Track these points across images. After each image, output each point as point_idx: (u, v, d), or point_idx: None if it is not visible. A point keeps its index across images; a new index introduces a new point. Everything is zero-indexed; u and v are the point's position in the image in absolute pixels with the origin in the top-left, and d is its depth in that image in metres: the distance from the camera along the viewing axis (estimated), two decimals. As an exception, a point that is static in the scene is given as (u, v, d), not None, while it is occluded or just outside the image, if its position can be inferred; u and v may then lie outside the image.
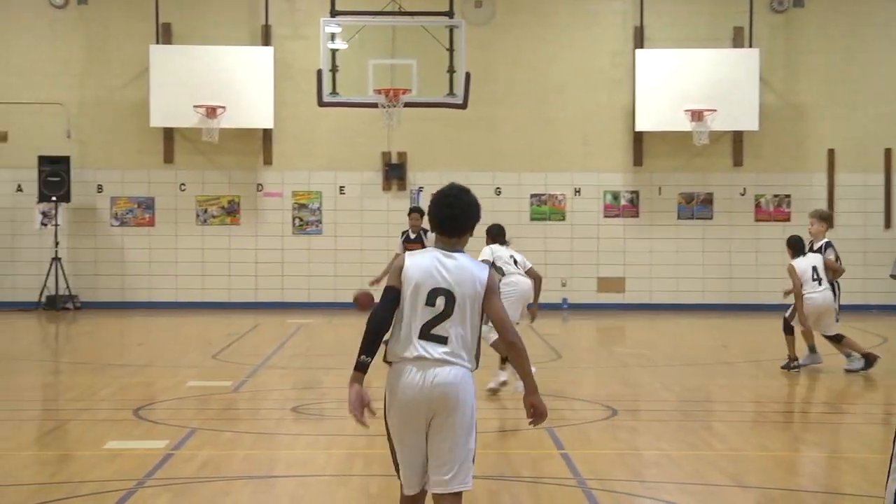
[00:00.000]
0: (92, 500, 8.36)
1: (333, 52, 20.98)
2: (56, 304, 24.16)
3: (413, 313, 5.80)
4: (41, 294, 24.35)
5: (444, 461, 5.78)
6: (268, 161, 25.30)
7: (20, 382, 14.69)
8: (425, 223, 16.64)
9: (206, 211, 25.11)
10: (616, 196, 25.53)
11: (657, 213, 25.52)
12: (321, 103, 21.19)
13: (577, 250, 25.47)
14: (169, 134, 25.01)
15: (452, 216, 5.94)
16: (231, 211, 25.25)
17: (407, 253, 6.00)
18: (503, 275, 13.38)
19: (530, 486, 8.89)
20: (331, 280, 25.17)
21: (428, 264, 5.87)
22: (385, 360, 5.89)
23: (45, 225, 24.44)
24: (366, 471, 9.44)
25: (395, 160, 25.17)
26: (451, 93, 20.84)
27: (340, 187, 25.31)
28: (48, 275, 24.24)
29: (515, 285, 13.47)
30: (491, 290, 5.89)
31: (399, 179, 25.21)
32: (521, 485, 8.91)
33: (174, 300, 25.09)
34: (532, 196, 25.50)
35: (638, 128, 24.94)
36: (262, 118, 24.47)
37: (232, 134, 24.56)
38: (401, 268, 5.88)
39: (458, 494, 5.83)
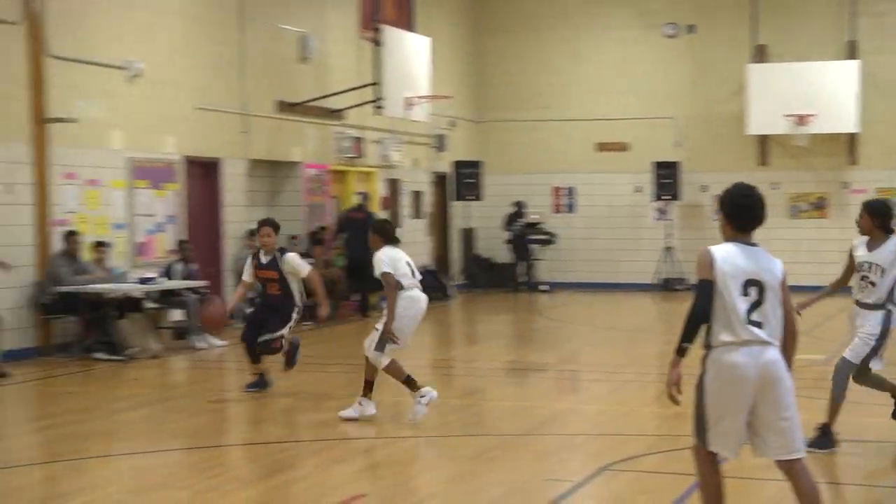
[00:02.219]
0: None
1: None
2: (668, 285, 25.44)
3: (732, 302, 5.65)
4: (655, 276, 25.76)
5: (777, 429, 5.68)
6: (853, 162, 25.00)
7: (643, 351, 15.91)
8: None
9: (796, 206, 25.32)
10: None
11: None
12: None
13: None
14: (763, 140, 25.42)
15: (754, 216, 5.82)
16: (819, 206, 25.24)
17: (712, 247, 5.78)
18: (402, 288, 10.01)
19: None
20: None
21: (737, 258, 5.74)
22: (704, 346, 5.80)
23: (659, 220, 25.80)
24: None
25: (975, 157, 23.95)
26: None
27: (926, 184, 24.51)
28: (661, 260, 25.61)
29: (416, 301, 10.17)
30: (784, 282, 5.77)
31: (978, 175, 23.96)
32: None
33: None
34: None
35: None
36: (849, 124, 24.22)
37: (819, 138, 24.54)
38: (710, 262, 5.73)
39: (802, 460, 5.74)
